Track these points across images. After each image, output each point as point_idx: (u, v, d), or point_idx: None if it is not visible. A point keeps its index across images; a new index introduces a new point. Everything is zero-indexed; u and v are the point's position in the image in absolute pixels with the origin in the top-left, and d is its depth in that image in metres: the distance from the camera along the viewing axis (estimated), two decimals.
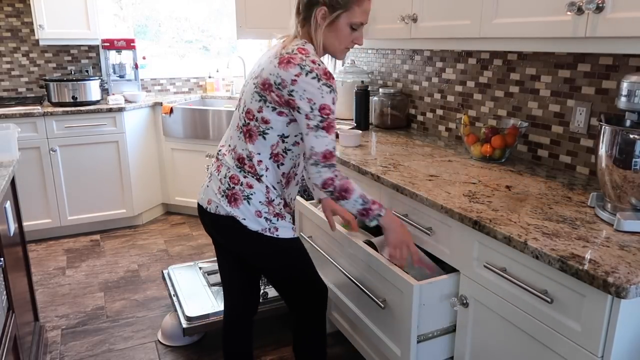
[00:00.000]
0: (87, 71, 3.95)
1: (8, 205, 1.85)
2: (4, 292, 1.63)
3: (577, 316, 1.06)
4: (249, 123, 1.41)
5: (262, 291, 2.34)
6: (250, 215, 1.43)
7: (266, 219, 1.44)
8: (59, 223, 3.49)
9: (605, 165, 1.26)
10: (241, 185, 1.43)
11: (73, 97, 3.46)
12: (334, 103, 1.34)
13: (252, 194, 1.43)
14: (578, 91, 1.74)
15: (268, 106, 1.37)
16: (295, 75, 1.31)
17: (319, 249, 1.98)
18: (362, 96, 2.56)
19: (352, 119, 2.70)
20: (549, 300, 1.11)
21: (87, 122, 3.42)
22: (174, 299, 2.34)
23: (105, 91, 3.82)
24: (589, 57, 1.69)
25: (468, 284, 1.40)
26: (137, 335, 2.41)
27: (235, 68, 4.39)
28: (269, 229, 1.45)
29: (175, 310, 2.28)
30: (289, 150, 1.44)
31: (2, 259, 1.61)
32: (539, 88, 1.90)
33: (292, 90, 1.32)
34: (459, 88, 2.32)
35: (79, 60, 3.97)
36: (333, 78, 1.34)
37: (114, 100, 3.55)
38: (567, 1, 1.33)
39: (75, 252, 3.33)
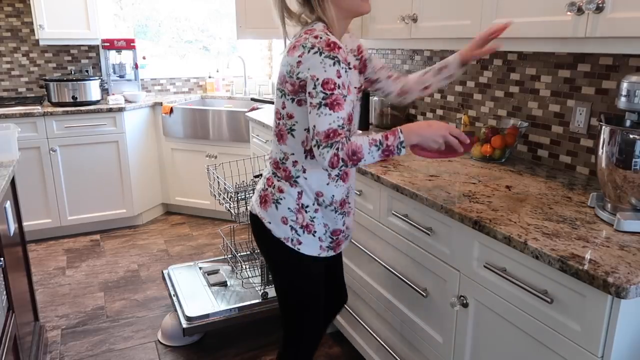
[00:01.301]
0: (87, 71, 3.95)
1: (8, 205, 1.85)
2: (4, 292, 1.63)
3: (577, 316, 1.06)
4: (278, 123, 1.35)
5: (262, 291, 2.34)
6: (275, 220, 1.37)
7: (291, 227, 1.37)
8: (59, 223, 3.49)
9: (605, 165, 1.26)
10: (273, 187, 1.38)
11: (73, 97, 3.46)
12: (339, 76, 1.21)
13: (281, 199, 1.36)
14: (578, 91, 1.74)
15: (288, 99, 1.29)
16: (299, 56, 1.23)
17: (355, 242, 1.98)
18: (362, 96, 2.55)
19: None
20: (549, 300, 1.11)
21: (87, 122, 3.42)
22: (174, 299, 2.34)
23: (105, 91, 3.82)
24: (589, 57, 1.69)
25: (468, 284, 1.40)
26: (137, 335, 2.41)
27: (235, 68, 4.39)
28: (292, 240, 1.38)
29: (175, 310, 2.28)
30: None
31: (2, 259, 1.61)
32: (539, 88, 1.90)
33: (298, 73, 1.24)
34: (458, 88, 2.32)
35: (79, 60, 3.97)
36: (339, 47, 1.21)
37: (114, 100, 3.55)
38: (567, 1, 1.33)
39: (75, 252, 3.33)
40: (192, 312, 2.20)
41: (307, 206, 1.36)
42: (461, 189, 1.58)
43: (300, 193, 1.35)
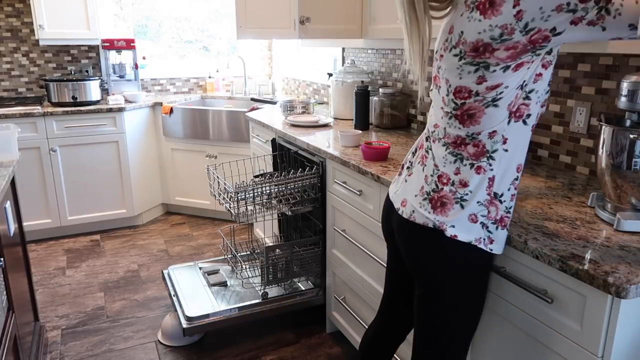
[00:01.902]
0: (87, 71, 3.95)
1: (8, 205, 1.85)
2: (4, 292, 1.63)
3: (577, 316, 1.06)
4: (464, 103, 1.08)
5: (262, 291, 2.34)
6: (462, 221, 1.12)
7: (483, 224, 1.13)
8: (59, 223, 3.49)
9: (605, 165, 1.26)
10: (451, 185, 1.12)
11: (73, 97, 3.46)
12: None
13: (466, 194, 1.11)
14: (578, 91, 1.74)
15: (495, 69, 1.01)
16: (516, 9, 0.95)
17: (355, 242, 1.99)
18: (362, 96, 2.56)
19: (352, 119, 2.70)
20: (549, 300, 1.11)
21: (87, 122, 3.42)
22: (174, 299, 2.34)
23: (105, 91, 3.82)
24: (589, 57, 1.69)
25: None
26: (137, 335, 2.41)
27: (235, 68, 4.39)
28: (484, 240, 1.13)
29: (175, 310, 2.28)
30: (532, 90, 1.06)
31: (2, 259, 1.61)
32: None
33: (527, 25, 0.95)
34: None
35: (79, 60, 3.97)
36: None
37: (114, 100, 3.55)
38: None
39: (75, 252, 3.33)
40: (192, 312, 2.20)
41: (501, 195, 1.12)
42: None
43: (491, 180, 1.10)
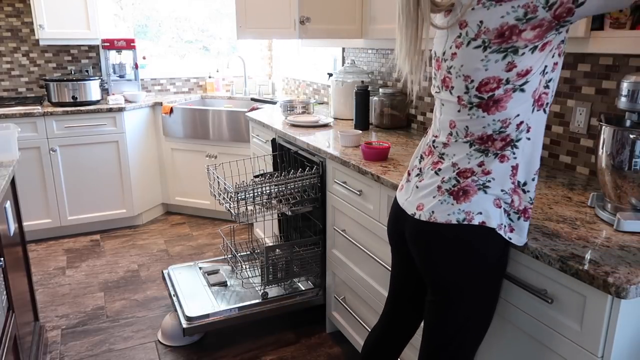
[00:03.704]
0: (87, 71, 3.95)
1: (8, 205, 1.85)
2: (4, 292, 1.63)
3: (577, 316, 1.06)
4: (493, 94, 1.06)
5: (262, 291, 2.34)
6: (486, 206, 1.09)
7: (505, 211, 1.11)
8: (59, 223, 3.49)
9: (605, 165, 1.26)
10: (474, 175, 1.10)
11: (73, 97, 3.46)
12: None
13: (489, 181, 1.09)
14: (578, 91, 1.74)
15: (523, 52, 1.01)
16: None
17: (355, 242, 1.99)
18: (362, 96, 2.56)
19: (352, 119, 2.70)
20: (549, 300, 1.11)
21: (87, 122, 3.42)
22: (174, 299, 2.34)
23: (105, 91, 3.82)
24: (589, 57, 1.69)
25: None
26: (137, 335, 2.41)
27: (235, 68, 4.39)
28: (505, 226, 1.11)
29: (175, 310, 2.28)
30: (551, 80, 1.08)
31: (2, 259, 1.61)
32: None
33: (547, 1, 0.97)
34: None
35: (79, 60, 3.97)
36: None
37: (114, 100, 3.55)
38: None
39: (75, 252, 3.33)
40: (192, 312, 2.20)
41: (524, 183, 1.11)
42: None
43: (514, 168, 1.09)
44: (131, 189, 3.63)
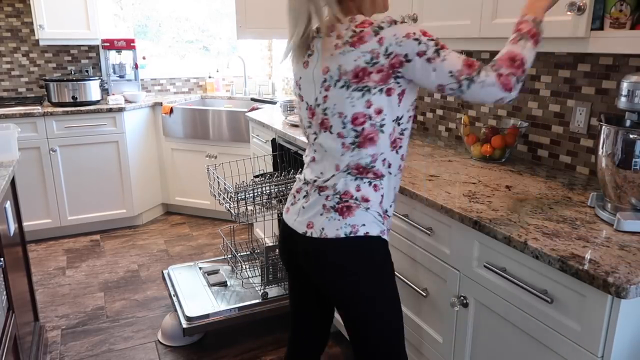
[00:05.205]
0: (87, 71, 3.95)
1: (8, 205, 1.85)
2: (4, 292, 1.63)
3: (577, 316, 1.06)
4: (363, 129, 1.20)
5: (262, 291, 2.34)
6: (368, 219, 1.24)
7: (379, 221, 1.26)
8: (59, 223, 3.49)
9: (605, 165, 1.26)
10: (355, 199, 1.23)
11: (73, 97, 3.46)
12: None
13: (368, 208, 1.24)
14: (578, 91, 1.74)
15: (374, 92, 1.16)
16: (378, 38, 1.13)
17: None
18: None
19: None
20: (549, 300, 1.11)
21: (87, 122, 3.42)
22: (174, 299, 2.34)
23: (105, 91, 3.82)
24: (589, 57, 1.69)
25: (468, 284, 1.40)
26: (137, 335, 2.41)
27: (235, 68, 4.39)
28: (383, 231, 1.27)
29: (175, 310, 2.28)
30: (405, 129, 1.25)
31: (2, 259, 1.61)
32: (539, 88, 1.90)
33: (387, 50, 1.13)
34: None
35: (79, 60, 3.97)
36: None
37: (114, 100, 3.55)
38: (567, 1, 1.33)
39: (75, 252, 3.33)
40: (192, 312, 2.20)
41: (385, 211, 1.28)
42: (461, 189, 1.58)
43: (382, 197, 1.26)
44: (131, 189, 3.63)
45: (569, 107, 1.78)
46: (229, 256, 2.72)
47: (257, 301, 2.30)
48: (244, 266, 2.62)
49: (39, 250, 3.37)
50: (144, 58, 4.13)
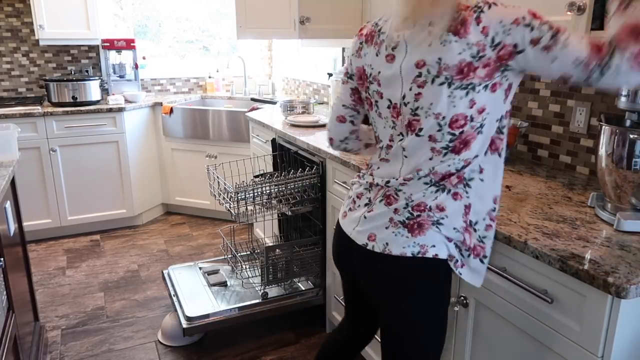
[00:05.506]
0: (87, 71, 3.95)
1: (8, 205, 1.85)
2: (4, 292, 1.63)
3: (577, 316, 1.06)
4: (462, 131, 1.07)
5: (262, 291, 2.34)
6: (439, 240, 1.11)
7: (456, 246, 1.14)
8: (59, 223, 3.49)
9: (605, 165, 1.26)
10: (429, 210, 1.11)
11: (73, 97, 3.46)
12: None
13: (443, 218, 1.11)
14: (578, 91, 1.74)
15: (479, 90, 1.04)
16: (481, 26, 1.00)
17: None
18: None
19: None
20: (549, 300, 1.11)
21: (87, 122, 3.42)
22: (174, 299, 2.34)
23: (105, 91, 3.82)
24: None
25: (468, 284, 1.40)
26: (137, 335, 2.41)
27: (235, 68, 4.39)
28: (457, 260, 1.15)
29: (175, 310, 2.28)
30: (504, 127, 1.12)
31: (2, 259, 1.61)
32: (539, 88, 1.90)
33: (494, 40, 0.99)
34: None
35: (79, 60, 3.97)
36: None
37: (114, 100, 3.55)
38: (567, 1, 1.33)
39: (75, 252, 3.33)
40: (192, 312, 2.20)
41: (475, 222, 1.14)
42: None
43: (467, 207, 1.12)
44: (131, 189, 3.63)
45: (569, 107, 1.78)
46: (229, 256, 2.72)
47: (257, 301, 2.30)
48: (244, 266, 2.62)
49: (39, 250, 3.37)
50: (144, 58, 4.13)
